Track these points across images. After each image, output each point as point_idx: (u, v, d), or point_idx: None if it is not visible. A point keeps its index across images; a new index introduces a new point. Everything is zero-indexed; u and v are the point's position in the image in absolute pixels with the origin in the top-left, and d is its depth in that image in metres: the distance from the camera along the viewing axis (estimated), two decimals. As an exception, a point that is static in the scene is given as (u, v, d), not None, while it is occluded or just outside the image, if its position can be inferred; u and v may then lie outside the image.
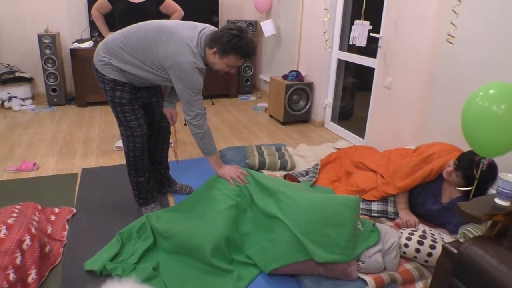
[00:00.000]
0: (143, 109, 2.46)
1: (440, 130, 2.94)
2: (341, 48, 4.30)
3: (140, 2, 3.39)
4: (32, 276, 1.93)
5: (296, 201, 2.07)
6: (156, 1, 3.42)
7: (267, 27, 5.31)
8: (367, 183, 2.74)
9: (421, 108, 3.10)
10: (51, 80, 5.08)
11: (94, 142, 3.92)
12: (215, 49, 2.10)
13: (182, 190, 2.88)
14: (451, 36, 2.65)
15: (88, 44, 5.05)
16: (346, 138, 4.19)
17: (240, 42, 2.07)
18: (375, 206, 2.58)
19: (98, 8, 3.43)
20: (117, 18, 3.44)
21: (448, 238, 2.14)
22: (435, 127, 2.98)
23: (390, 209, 2.56)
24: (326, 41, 4.17)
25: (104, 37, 3.00)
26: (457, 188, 2.31)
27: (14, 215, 2.25)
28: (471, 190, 2.11)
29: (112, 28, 3.23)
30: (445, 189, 2.41)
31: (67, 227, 2.43)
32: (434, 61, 2.93)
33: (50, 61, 5.00)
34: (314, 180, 2.92)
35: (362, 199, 2.64)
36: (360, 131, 4.02)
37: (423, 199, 2.48)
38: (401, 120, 3.32)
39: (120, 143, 3.69)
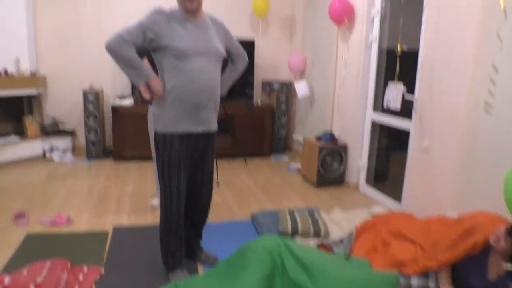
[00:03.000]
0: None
1: (483, 197, 2.79)
2: (375, 109, 4.28)
3: None
4: None
5: (332, 277, 1.96)
6: None
7: (301, 88, 5.39)
8: (405, 255, 2.60)
9: (461, 173, 2.97)
10: (92, 134, 5.28)
11: (127, 198, 3.95)
12: None
13: (206, 260, 2.72)
14: (489, 105, 2.59)
15: (128, 102, 5.26)
16: (382, 202, 4.06)
17: None
18: (415, 282, 2.42)
19: None
20: None
21: (497, 323, 1.96)
22: (477, 193, 2.84)
23: (432, 284, 2.39)
24: (338, 114, 4.21)
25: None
26: (505, 268, 2.14)
27: (44, 273, 2.25)
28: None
29: None
30: (492, 263, 2.24)
31: (94, 288, 2.39)
32: (472, 124, 2.84)
33: (92, 116, 5.23)
34: (349, 250, 2.79)
35: (400, 273, 2.49)
36: (396, 194, 3.88)
37: (467, 274, 2.31)
38: (439, 185, 3.19)
39: (154, 202, 3.70)
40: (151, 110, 2.37)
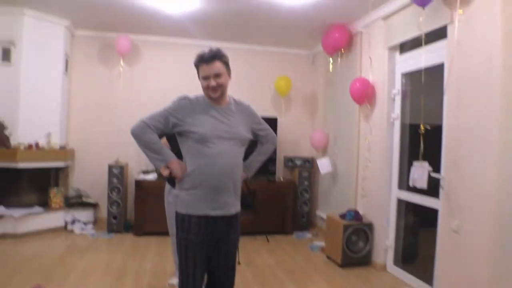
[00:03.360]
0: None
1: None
2: (400, 187, 4.19)
3: None
4: None
5: None
6: None
7: (323, 165, 5.39)
8: None
9: (497, 256, 2.78)
10: (114, 207, 5.31)
11: (145, 276, 3.85)
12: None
13: None
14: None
15: (152, 176, 5.33)
16: (412, 284, 3.82)
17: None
18: None
19: None
20: None
21: None
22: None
23: None
24: (363, 196, 4.20)
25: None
26: None
27: None
28: None
29: None
30: None
31: None
32: (506, 207, 2.72)
33: (116, 190, 5.29)
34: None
35: None
36: (427, 276, 3.65)
37: None
38: (474, 267, 2.98)
39: (173, 281, 3.57)
40: (169, 188, 2.38)
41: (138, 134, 2.24)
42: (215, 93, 2.26)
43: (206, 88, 2.27)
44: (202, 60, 2.25)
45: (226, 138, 2.27)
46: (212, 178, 2.23)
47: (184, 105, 2.27)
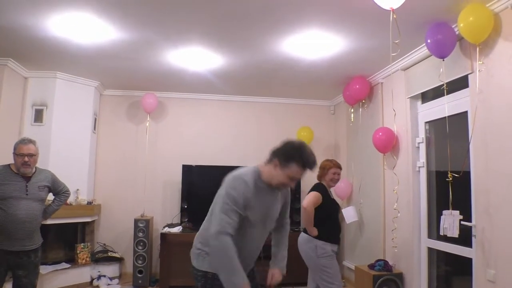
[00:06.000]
0: None
1: None
2: (429, 236, 4.11)
3: None
4: None
5: None
6: None
7: (349, 214, 5.33)
8: None
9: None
10: (139, 261, 5.29)
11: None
12: (275, 160, 2.13)
13: None
14: None
15: (177, 229, 5.35)
16: None
17: (301, 151, 2.12)
18: None
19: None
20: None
21: None
22: None
23: None
24: (393, 239, 4.20)
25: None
26: None
27: None
28: None
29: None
30: None
31: None
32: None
33: (141, 244, 5.31)
34: None
35: None
36: (466, 332, 3.51)
37: None
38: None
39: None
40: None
41: (225, 250, 2.04)
42: (285, 185, 2.24)
43: (282, 182, 2.18)
44: (307, 164, 2.17)
45: (263, 221, 2.27)
46: (241, 260, 2.11)
47: (244, 191, 2.12)
